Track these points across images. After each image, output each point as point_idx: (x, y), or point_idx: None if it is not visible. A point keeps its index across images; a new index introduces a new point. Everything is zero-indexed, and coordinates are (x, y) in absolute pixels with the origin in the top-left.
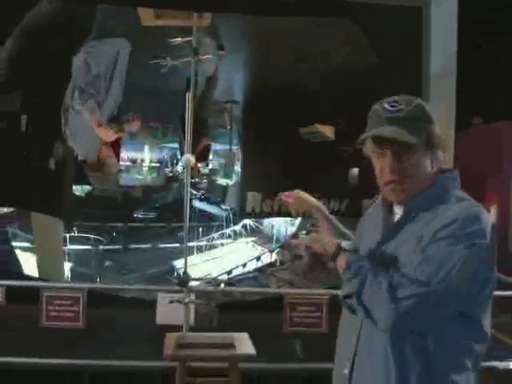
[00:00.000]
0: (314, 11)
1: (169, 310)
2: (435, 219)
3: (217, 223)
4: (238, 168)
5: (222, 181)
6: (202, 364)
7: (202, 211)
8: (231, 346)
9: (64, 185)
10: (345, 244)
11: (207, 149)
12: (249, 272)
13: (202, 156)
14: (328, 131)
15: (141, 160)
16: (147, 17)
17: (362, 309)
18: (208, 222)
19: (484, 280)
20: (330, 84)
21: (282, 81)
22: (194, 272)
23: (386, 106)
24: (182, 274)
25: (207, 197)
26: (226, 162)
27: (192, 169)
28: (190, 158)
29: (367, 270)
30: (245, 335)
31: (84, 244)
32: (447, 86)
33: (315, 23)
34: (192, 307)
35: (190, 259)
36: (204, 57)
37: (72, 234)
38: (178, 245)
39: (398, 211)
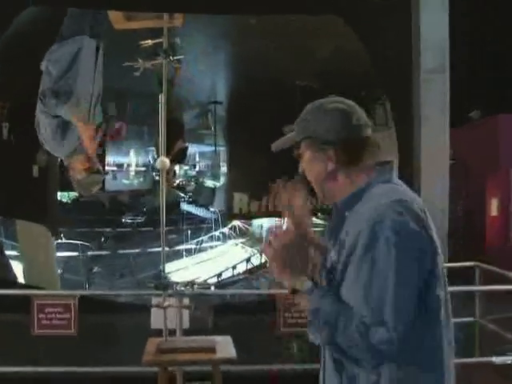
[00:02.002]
0: (302, 8)
1: (163, 315)
2: (348, 226)
3: (205, 225)
4: (224, 169)
5: (209, 183)
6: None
7: (190, 214)
8: (212, 350)
9: (48, 192)
10: (300, 285)
11: (183, 151)
12: (239, 274)
13: (178, 158)
14: None
15: (127, 165)
16: (118, 20)
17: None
18: (197, 225)
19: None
20: (317, 81)
21: (265, 79)
22: (183, 275)
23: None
24: (161, 278)
25: (195, 199)
26: (211, 163)
27: (167, 172)
28: (164, 160)
29: (331, 323)
30: (228, 339)
31: (72, 250)
32: (440, 80)
33: (300, 20)
34: (186, 311)
35: (179, 263)
36: (175, 58)
37: (60, 240)
38: (167, 249)
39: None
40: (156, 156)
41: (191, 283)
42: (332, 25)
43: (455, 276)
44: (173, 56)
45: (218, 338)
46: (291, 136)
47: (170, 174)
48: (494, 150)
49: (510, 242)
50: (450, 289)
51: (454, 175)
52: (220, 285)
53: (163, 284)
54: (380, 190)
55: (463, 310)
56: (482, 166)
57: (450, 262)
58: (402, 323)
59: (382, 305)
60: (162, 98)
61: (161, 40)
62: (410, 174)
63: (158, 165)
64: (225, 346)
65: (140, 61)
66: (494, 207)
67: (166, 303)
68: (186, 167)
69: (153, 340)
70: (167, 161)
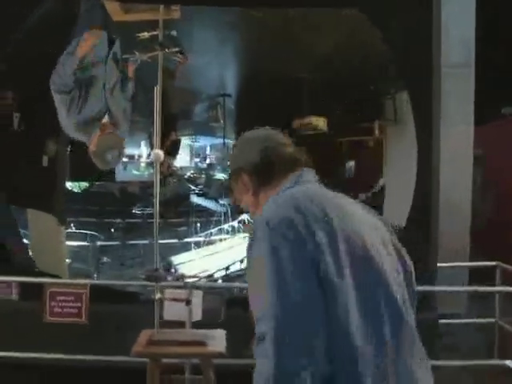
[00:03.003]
0: (321, 1)
1: (175, 307)
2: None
3: (215, 218)
4: None
5: (219, 176)
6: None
7: (200, 206)
8: (202, 343)
9: (58, 181)
10: None
11: (177, 143)
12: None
13: (172, 151)
14: (321, 123)
15: (138, 156)
16: (116, 12)
17: None
18: (206, 218)
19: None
20: (328, 72)
21: (274, 72)
22: (191, 268)
23: None
24: (153, 270)
25: (205, 192)
26: (220, 156)
27: (162, 164)
28: (159, 153)
29: None
30: (222, 332)
31: (82, 240)
32: (464, 76)
33: (311, 13)
34: (198, 303)
35: (187, 255)
36: (172, 50)
37: (69, 230)
38: (176, 240)
39: None
40: (150, 148)
41: (182, 276)
42: (346, 18)
43: (478, 274)
44: (169, 48)
45: (212, 332)
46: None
47: (165, 165)
48: None
49: None
50: (470, 288)
51: (484, 172)
52: (228, 278)
53: (155, 276)
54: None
55: (483, 310)
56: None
57: (476, 260)
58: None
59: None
60: (156, 90)
61: (157, 32)
62: (428, 170)
63: (152, 157)
64: (217, 340)
65: (136, 53)
66: None
67: (158, 295)
68: (197, 159)
69: (146, 331)
70: (161, 153)
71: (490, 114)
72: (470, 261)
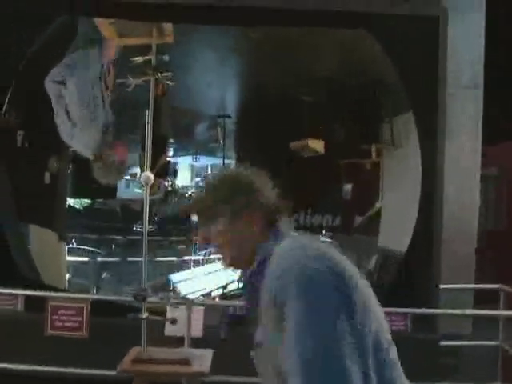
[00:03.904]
0: (327, 22)
1: (173, 322)
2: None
3: None
4: None
5: None
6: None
7: None
8: (187, 362)
9: (60, 198)
10: None
11: (167, 165)
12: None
13: (162, 172)
14: (318, 146)
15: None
16: (111, 36)
17: None
18: None
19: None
20: (327, 94)
21: (274, 94)
22: (189, 286)
23: None
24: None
25: None
26: None
27: (152, 186)
28: (148, 175)
29: None
30: (209, 352)
31: (83, 256)
32: (473, 96)
33: (311, 34)
34: (199, 319)
35: (186, 273)
36: (164, 75)
37: (71, 245)
38: (175, 258)
39: None
40: (140, 170)
41: (167, 296)
42: (347, 39)
43: (485, 293)
44: (162, 73)
45: (199, 351)
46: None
47: (155, 187)
48: None
49: None
50: (472, 311)
51: (498, 191)
52: (225, 297)
53: (142, 295)
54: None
55: (487, 333)
56: None
57: (483, 280)
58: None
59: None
60: (148, 114)
61: (150, 57)
62: (433, 188)
63: (142, 179)
64: (202, 360)
65: (130, 77)
66: None
67: (145, 314)
68: (198, 179)
69: (135, 349)
70: (151, 175)
71: (505, 134)
72: (477, 280)
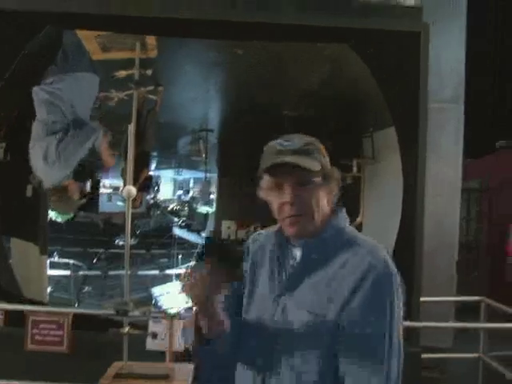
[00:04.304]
0: (309, 37)
1: (154, 337)
2: (344, 270)
3: (196, 250)
4: (215, 196)
5: (202, 208)
6: None
7: (181, 239)
8: (166, 377)
9: (42, 211)
10: None
11: (149, 180)
12: None
13: (144, 187)
14: None
15: (116, 188)
16: (95, 51)
17: None
18: (188, 250)
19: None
20: (309, 108)
21: (257, 107)
22: (171, 299)
23: (279, 141)
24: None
25: (188, 224)
26: (202, 190)
27: (134, 200)
28: (131, 189)
29: None
30: (190, 366)
31: (64, 269)
32: (454, 111)
33: (292, 50)
34: (180, 334)
35: (168, 286)
36: (147, 89)
37: (52, 259)
38: (157, 272)
39: (296, 251)
40: (123, 185)
41: (148, 310)
42: (331, 55)
43: (465, 308)
44: (145, 87)
45: (181, 366)
46: (302, 159)
47: (137, 201)
48: None
49: None
50: (454, 324)
51: (478, 205)
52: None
53: (124, 310)
54: (353, 233)
55: (468, 346)
56: (506, 197)
57: (465, 294)
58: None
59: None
60: (130, 128)
61: (133, 71)
62: (414, 201)
63: (124, 193)
64: (182, 374)
65: (113, 91)
66: None
67: (126, 329)
68: (180, 192)
69: (117, 364)
70: (133, 189)
71: (486, 148)
72: (459, 292)
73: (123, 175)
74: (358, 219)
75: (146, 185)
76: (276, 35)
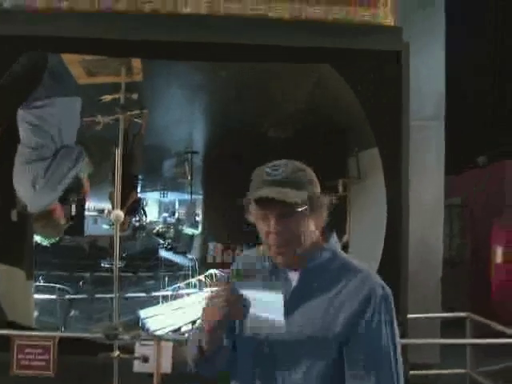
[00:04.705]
0: (292, 57)
1: (142, 360)
2: (343, 292)
3: (183, 273)
4: (201, 218)
5: (188, 230)
6: None
7: (168, 260)
8: None
9: (27, 235)
10: None
11: (137, 203)
12: None
13: (132, 210)
14: None
15: (108, 210)
16: (80, 75)
17: None
18: (174, 272)
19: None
20: (294, 129)
21: (242, 129)
22: (159, 322)
23: (267, 169)
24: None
25: (174, 246)
26: (187, 212)
27: (122, 223)
28: (119, 213)
29: None
30: None
31: (50, 293)
32: (434, 129)
33: (276, 70)
34: (168, 355)
35: (155, 309)
36: (133, 113)
37: (38, 283)
38: (144, 294)
39: (292, 275)
40: (111, 209)
41: (138, 335)
42: (313, 74)
43: (450, 324)
44: (131, 111)
45: None
46: (286, 191)
47: (125, 224)
48: (500, 195)
49: None
50: (440, 340)
51: (460, 221)
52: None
53: (114, 334)
54: (346, 257)
55: (455, 361)
56: (488, 212)
57: (450, 310)
58: None
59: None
60: (117, 152)
61: (118, 95)
62: (398, 222)
63: (112, 218)
64: None
65: (99, 116)
66: (498, 254)
67: (116, 353)
68: (166, 214)
69: None
70: (121, 214)
71: (466, 164)
72: (444, 307)
73: (111, 198)
74: (345, 238)
75: (134, 208)
76: (258, 56)
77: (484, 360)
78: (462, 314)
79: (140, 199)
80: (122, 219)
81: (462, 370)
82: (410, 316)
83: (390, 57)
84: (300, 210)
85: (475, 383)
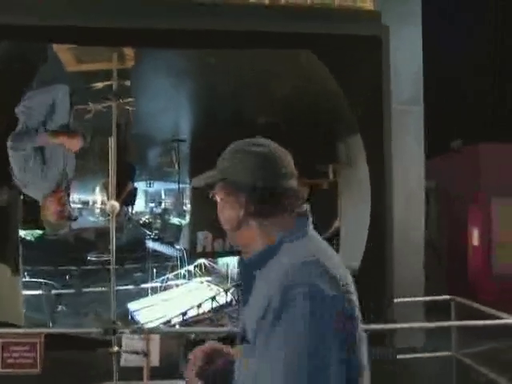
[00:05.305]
0: (273, 43)
1: (132, 353)
2: (259, 286)
3: (171, 263)
4: (189, 207)
5: (175, 220)
6: None
7: (155, 251)
8: None
9: (11, 230)
10: None
11: (132, 193)
12: (204, 313)
13: (128, 200)
14: None
15: (92, 202)
16: (70, 62)
17: None
18: (162, 263)
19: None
20: (282, 116)
21: (229, 115)
22: (148, 314)
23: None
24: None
25: (161, 237)
26: (175, 201)
27: (118, 214)
28: (114, 204)
29: None
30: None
31: (36, 289)
32: (414, 114)
33: (263, 57)
34: (155, 349)
35: (144, 301)
36: (127, 100)
37: (23, 279)
38: (132, 286)
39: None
40: (106, 199)
41: (139, 329)
42: (298, 60)
43: (433, 307)
44: (123, 98)
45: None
46: (210, 174)
47: (121, 215)
48: (475, 179)
49: (491, 272)
50: (428, 324)
51: (436, 204)
52: (185, 323)
53: (112, 329)
54: (293, 247)
55: (440, 344)
56: (463, 195)
57: (430, 293)
58: None
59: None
60: (111, 141)
61: (111, 82)
62: (382, 206)
63: (107, 209)
64: None
65: (91, 104)
66: (475, 237)
67: (115, 348)
68: (152, 204)
69: None
70: (117, 204)
71: (440, 148)
72: (426, 293)
73: (106, 188)
74: (336, 224)
75: (130, 198)
76: (239, 42)
77: (469, 343)
78: (447, 297)
79: (136, 189)
80: (118, 210)
81: (448, 353)
82: (396, 300)
83: (369, 41)
84: (218, 191)
85: (461, 364)
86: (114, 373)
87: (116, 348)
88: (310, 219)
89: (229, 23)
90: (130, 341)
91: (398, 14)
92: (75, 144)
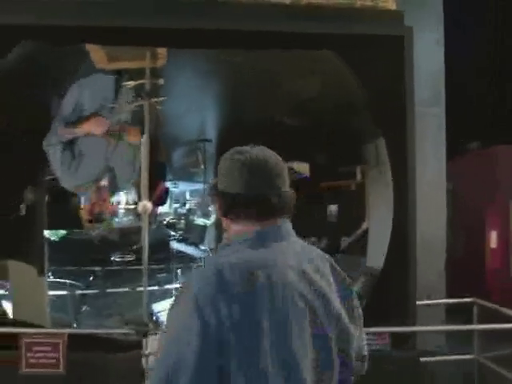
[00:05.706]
0: (294, 44)
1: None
2: None
3: (196, 264)
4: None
5: (199, 221)
6: None
7: (180, 252)
8: None
9: (36, 230)
10: None
11: (165, 192)
12: None
13: (160, 200)
14: (303, 169)
15: (117, 202)
16: (101, 60)
17: None
18: (186, 263)
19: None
20: (308, 116)
21: (256, 117)
22: None
23: None
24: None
25: (185, 237)
26: (201, 201)
27: (149, 214)
28: (146, 204)
29: None
30: None
31: (61, 289)
32: (435, 115)
33: (289, 58)
34: None
35: (169, 302)
36: (160, 99)
37: (48, 279)
38: (157, 287)
39: None
40: (138, 200)
41: None
42: (323, 61)
43: (455, 311)
44: (156, 97)
45: None
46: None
47: (152, 216)
48: (493, 181)
49: (509, 274)
50: (449, 327)
51: (454, 207)
52: None
53: (144, 330)
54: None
55: (462, 347)
56: (481, 197)
57: (450, 296)
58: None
59: None
60: (144, 139)
61: (143, 81)
62: (405, 209)
63: (139, 209)
64: None
65: (122, 103)
66: (493, 239)
67: (148, 350)
68: (177, 205)
69: None
70: (149, 205)
71: (457, 150)
72: (447, 294)
73: (138, 189)
74: (364, 225)
75: (162, 198)
76: (262, 43)
77: (491, 345)
78: (468, 300)
79: (168, 188)
80: (150, 210)
81: (470, 356)
82: (418, 302)
83: (393, 41)
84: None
85: (483, 368)
86: (143, 376)
87: (148, 350)
88: (281, 233)
89: (248, 23)
90: (152, 342)
91: (418, 14)
92: (98, 126)
